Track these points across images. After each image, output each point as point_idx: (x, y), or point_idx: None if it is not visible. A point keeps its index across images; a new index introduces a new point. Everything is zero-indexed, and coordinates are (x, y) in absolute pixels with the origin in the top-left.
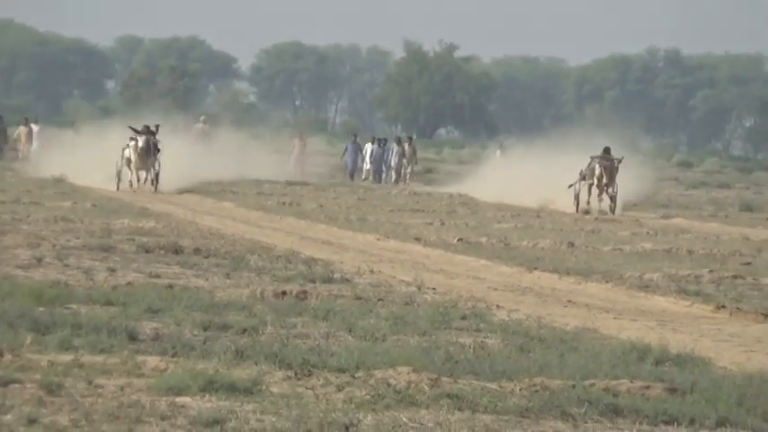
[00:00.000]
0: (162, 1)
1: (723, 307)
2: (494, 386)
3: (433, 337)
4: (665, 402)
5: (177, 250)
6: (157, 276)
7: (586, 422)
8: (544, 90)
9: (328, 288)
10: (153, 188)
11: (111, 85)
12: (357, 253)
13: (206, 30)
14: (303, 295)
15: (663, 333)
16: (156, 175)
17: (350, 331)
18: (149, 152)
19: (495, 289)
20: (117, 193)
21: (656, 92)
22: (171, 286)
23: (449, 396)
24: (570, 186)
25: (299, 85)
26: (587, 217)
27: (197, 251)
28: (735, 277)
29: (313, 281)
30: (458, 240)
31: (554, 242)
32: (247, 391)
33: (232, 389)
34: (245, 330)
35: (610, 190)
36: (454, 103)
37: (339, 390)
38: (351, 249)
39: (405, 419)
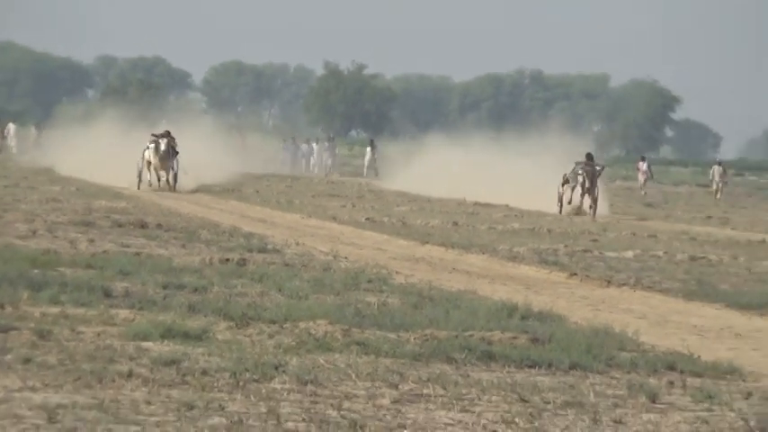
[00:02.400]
0: (132, 27)
1: (575, 274)
2: (393, 336)
3: (345, 296)
4: (528, 350)
5: (143, 225)
6: (127, 246)
7: (466, 365)
8: (434, 101)
9: (263, 257)
10: (171, 187)
11: (91, 94)
12: (285, 229)
13: (167, 50)
14: (243, 262)
15: (527, 295)
16: (175, 175)
17: (279, 291)
18: (168, 154)
19: (395, 258)
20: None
21: (523, 104)
22: (138, 254)
23: (357, 343)
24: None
25: (240, 95)
26: (575, 218)
27: (159, 226)
28: (584, 251)
29: (250, 251)
30: (366, 219)
31: (442, 222)
32: (198, 337)
33: (186, 336)
34: (196, 289)
35: (592, 193)
36: (363, 110)
37: (270, 337)
38: (280, 226)
39: (322, 361)
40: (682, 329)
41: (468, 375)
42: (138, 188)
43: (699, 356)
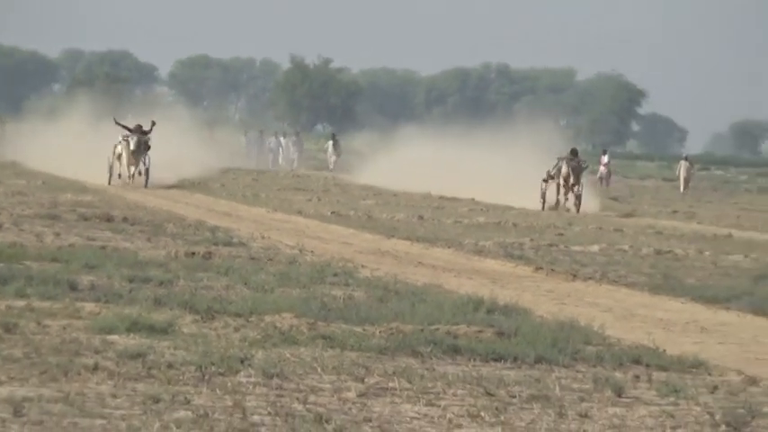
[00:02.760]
0: (99, 21)
1: (541, 268)
2: (359, 329)
3: (311, 290)
4: (494, 343)
5: (109, 219)
6: (93, 239)
7: (432, 359)
8: (400, 95)
9: (228, 250)
10: (143, 182)
11: (57, 87)
12: (251, 222)
13: (134, 44)
14: (208, 255)
15: (493, 288)
16: (147, 170)
17: (245, 284)
18: (140, 150)
19: (361, 252)
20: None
21: (490, 97)
22: (104, 247)
23: (323, 337)
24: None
25: (207, 89)
26: (554, 213)
27: (125, 220)
28: (550, 245)
29: (216, 244)
30: (331, 213)
31: (407, 215)
32: (163, 331)
33: (151, 329)
34: (162, 283)
35: (575, 189)
36: (329, 104)
37: (236, 330)
38: (246, 220)
39: (288, 355)
40: (647, 323)
41: (434, 369)
42: (109, 183)
43: (664, 350)
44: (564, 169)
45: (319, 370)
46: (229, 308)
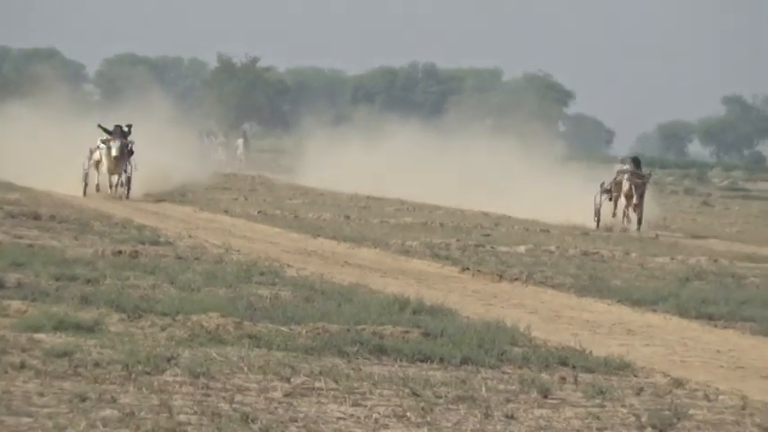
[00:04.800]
0: (26, 19)
1: (467, 269)
2: (285, 329)
3: (237, 289)
4: (420, 344)
5: (36, 217)
6: (20, 237)
7: (358, 359)
8: (327, 94)
9: (155, 249)
10: (125, 193)
11: None
12: (178, 221)
13: (61, 42)
14: (135, 254)
15: (419, 289)
16: (128, 179)
17: (172, 283)
18: (123, 157)
19: (287, 251)
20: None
21: (417, 97)
22: (31, 245)
23: (249, 336)
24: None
25: (134, 87)
26: (610, 234)
27: (52, 218)
28: (477, 245)
29: (143, 243)
30: (258, 212)
31: (334, 215)
32: (90, 329)
33: (78, 327)
34: (89, 281)
35: (636, 207)
36: (256, 104)
37: (163, 330)
38: (173, 218)
39: (214, 354)
40: (574, 325)
41: (360, 369)
42: (85, 194)
43: (590, 352)
44: (625, 185)
45: (245, 369)
46: (156, 307)
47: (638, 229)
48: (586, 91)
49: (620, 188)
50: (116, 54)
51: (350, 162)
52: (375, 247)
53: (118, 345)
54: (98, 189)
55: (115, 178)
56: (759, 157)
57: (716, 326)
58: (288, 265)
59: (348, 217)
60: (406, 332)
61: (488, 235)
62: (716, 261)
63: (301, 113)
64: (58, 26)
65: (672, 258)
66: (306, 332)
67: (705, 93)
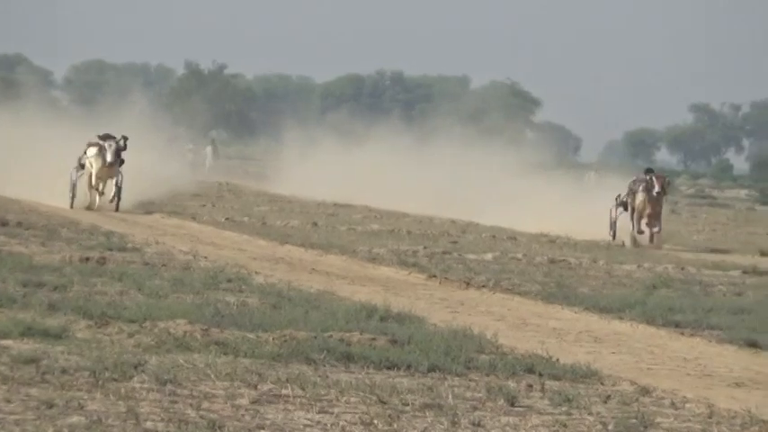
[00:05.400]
0: None
1: (434, 276)
2: (252, 336)
3: (205, 296)
4: (387, 351)
5: (4, 223)
6: None
7: (325, 366)
8: (295, 101)
9: (123, 255)
10: (114, 205)
11: None
12: (146, 228)
13: (29, 48)
14: (103, 260)
15: (387, 296)
16: (119, 190)
17: (139, 290)
18: (117, 163)
19: (255, 258)
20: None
21: (384, 104)
22: None
23: (216, 343)
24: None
25: (101, 93)
26: (629, 248)
27: (19, 224)
28: (444, 253)
29: (111, 249)
30: (225, 219)
31: (301, 222)
32: (58, 336)
33: (46, 334)
34: (56, 288)
35: (653, 221)
36: (224, 111)
37: (130, 336)
38: (141, 225)
39: (182, 361)
40: (541, 332)
41: (327, 376)
42: (72, 206)
43: (557, 359)
44: (639, 197)
45: (213, 376)
46: (123, 313)
47: (657, 241)
48: (554, 99)
49: (634, 199)
50: (83, 60)
51: (319, 169)
52: (342, 254)
53: (85, 351)
54: (92, 206)
55: (102, 186)
56: (726, 164)
57: (683, 334)
58: (255, 272)
59: (316, 224)
60: (374, 339)
61: (456, 242)
62: (683, 269)
63: (269, 121)
64: (25, 32)
65: (639, 266)
66: (273, 339)
67: (672, 101)
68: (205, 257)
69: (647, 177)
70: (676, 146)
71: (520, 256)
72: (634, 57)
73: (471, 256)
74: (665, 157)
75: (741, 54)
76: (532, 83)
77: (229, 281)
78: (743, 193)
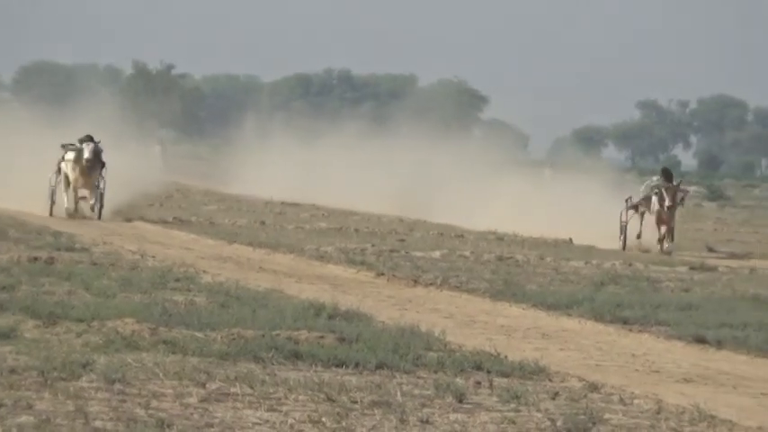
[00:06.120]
0: None
1: (382, 274)
2: (201, 335)
3: (152, 295)
4: (336, 349)
5: None
6: None
7: (274, 364)
8: (243, 100)
9: (71, 255)
10: (96, 213)
11: None
12: (93, 228)
13: None
14: (51, 261)
15: (335, 294)
16: (101, 195)
17: (87, 289)
18: (96, 167)
19: (203, 257)
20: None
21: (332, 103)
22: None
23: (165, 342)
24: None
25: (51, 94)
26: (642, 254)
27: None
28: (391, 251)
29: (59, 249)
30: (173, 218)
31: (249, 221)
32: (5, 335)
33: None
34: (4, 288)
35: (668, 224)
36: (171, 110)
37: (78, 336)
38: (88, 225)
39: (130, 360)
40: (488, 329)
41: (276, 374)
42: (51, 213)
43: (506, 356)
44: (655, 206)
45: (161, 375)
46: (71, 313)
47: (669, 247)
48: (501, 97)
49: (648, 203)
50: (32, 61)
51: (269, 168)
52: (290, 253)
53: (33, 351)
54: (74, 210)
55: (84, 192)
56: (674, 161)
57: (631, 330)
58: (203, 271)
59: (263, 223)
60: (321, 337)
61: (403, 240)
62: (631, 265)
63: (218, 120)
64: None
65: (586, 263)
66: (221, 338)
67: (620, 97)
68: (153, 257)
69: (658, 186)
70: (624, 142)
71: (467, 253)
72: (581, 53)
73: (419, 254)
74: (612, 154)
75: (689, 51)
76: (480, 81)
77: (177, 280)
78: (691, 189)
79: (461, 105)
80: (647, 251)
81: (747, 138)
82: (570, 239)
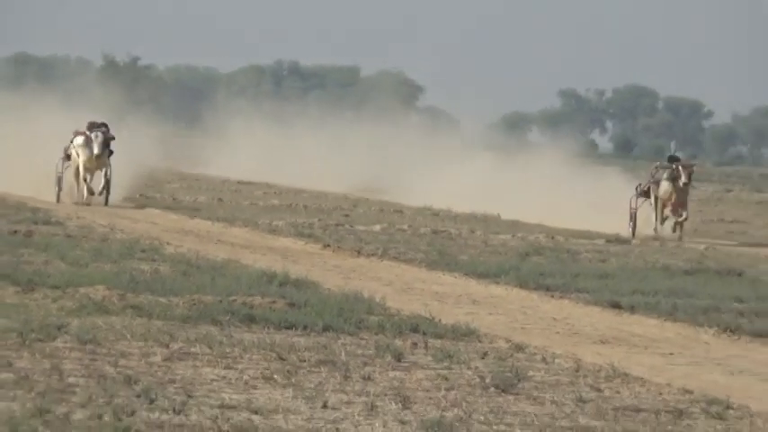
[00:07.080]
0: None
1: (328, 246)
2: (164, 300)
3: (121, 265)
4: (286, 313)
5: None
6: None
7: (230, 327)
8: (203, 90)
9: (47, 228)
10: (103, 199)
11: None
12: (67, 204)
13: None
14: (29, 233)
15: (285, 264)
16: (108, 182)
17: (62, 259)
18: (105, 154)
19: (166, 231)
20: None
21: (284, 92)
22: None
23: (132, 307)
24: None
25: (24, 86)
26: (656, 243)
27: None
28: (337, 225)
29: (36, 223)
30: (139, 196)
31: (209, 198)
32: None
33: None
34: None
35: (679, 212)
36: (139, 99)
37: (54, 301)
38: (63, 202)
39: (101, 323)
40: (424, 296)
41: (232, 336)
42: (58, 200)
43: (440, 320)
44: (664, 187)
45: (129, 337)
46: (48, 280)
47: (681, 233)
48: (437, 85)
49: (657, 188)
50: (4, 56)
51: (227, 151)
52: (245, 227)
53: (13, 315)
54: (85, 197)
55: (90, 177)
56: (592, 143)
57: (552, 296)
58: (167, 243)
59: (221, 200)
60: (273, 302)
61: (347, 215)
62: (553, 238)
63: (180, 107)
64: None
65: (513, 236)
66: (183, 303)
67: (544, 86)
68: (121, 230)
69: (673, 166)
70: (547, 127)
71: (405, 227)
72: (509, 45)
73: (361, 228)
74: (536, 138)
75: (605, 43)
76: (418, 71)
77: (143, 251)
78: (607, 170)
79: (400, 94)
80: (655, 238)
81: (658, 124)
82: (498, 215)
